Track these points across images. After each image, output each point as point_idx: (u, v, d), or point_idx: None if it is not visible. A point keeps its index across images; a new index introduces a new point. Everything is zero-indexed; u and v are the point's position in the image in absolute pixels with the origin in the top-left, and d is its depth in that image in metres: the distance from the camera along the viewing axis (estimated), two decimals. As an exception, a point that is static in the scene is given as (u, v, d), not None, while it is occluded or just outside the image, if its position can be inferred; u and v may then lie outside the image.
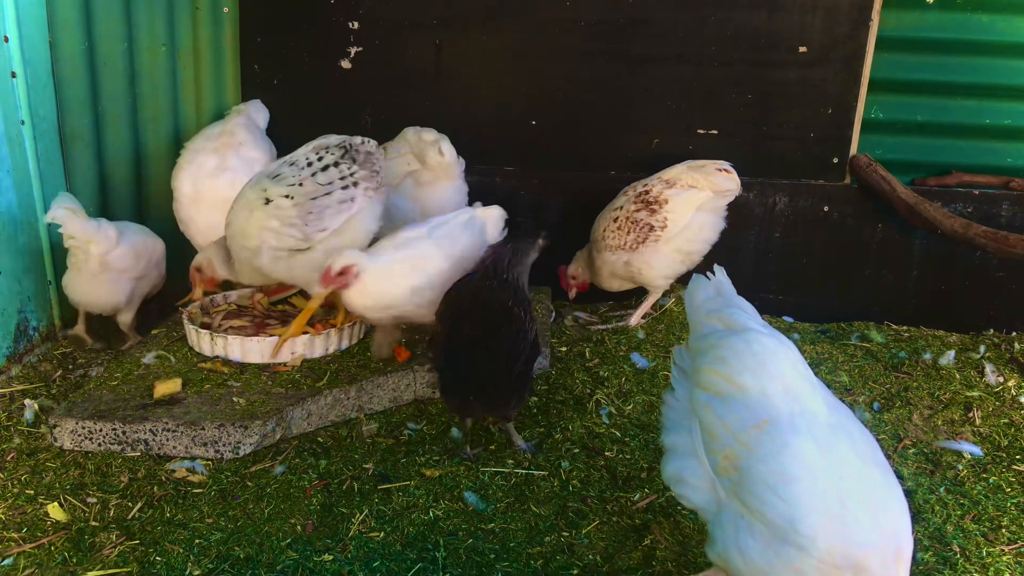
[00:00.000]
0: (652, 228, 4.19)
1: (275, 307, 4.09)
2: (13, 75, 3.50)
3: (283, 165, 3.46)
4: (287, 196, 3.32)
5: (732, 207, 4.43)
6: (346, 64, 4.90)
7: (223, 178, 4.07)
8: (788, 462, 1.96)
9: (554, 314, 4.56)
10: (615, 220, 4.26)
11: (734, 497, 2.05)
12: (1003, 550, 2.74)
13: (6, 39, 3.44)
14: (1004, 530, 2.85)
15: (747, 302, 2.47)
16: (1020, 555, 2.72)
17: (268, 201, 3.36)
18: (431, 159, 4.14)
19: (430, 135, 4.18)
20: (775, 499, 1.93)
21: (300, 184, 3.31)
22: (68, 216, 3.44)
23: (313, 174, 3.32)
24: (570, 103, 4.87)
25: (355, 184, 3.36)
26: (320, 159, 3.37)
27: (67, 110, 3.82)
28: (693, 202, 4.22)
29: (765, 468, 1.98)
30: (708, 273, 2.57)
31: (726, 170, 4.26)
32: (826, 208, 4.80)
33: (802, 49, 4.61)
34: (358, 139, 3.49)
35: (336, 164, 3.34)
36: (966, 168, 4.77)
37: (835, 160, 4.78)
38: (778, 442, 2.00)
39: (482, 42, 4.82)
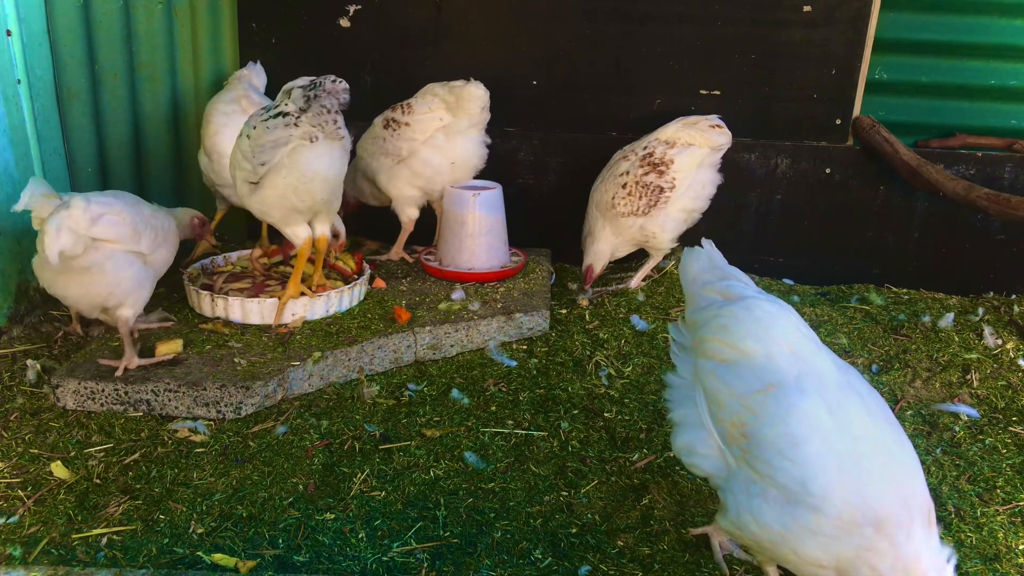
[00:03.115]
0: (662, 190, 4.17)
1: (276, 268, 4.10)
2: (8, 33, 3.46)
3: (261, 108, 3.53)
4: (247, 136, 3.42)
5: (734, 169, 4.41)
6: (345, 23, 4.84)
7: None
8: (796, 424, 1.96)
9: (554, 276, 4.56)
10: (623, 186, 4.22)
11: (744, 464, 2.06)
12: (997, 510, 2.77)
13: (0, -4, 3.40)
14: (999, 490, 2.88)
15: (741, 271, 2.47)
16: (1014, 515, 2.75)
17: (240, 135, 3.50)
18: (470, 102, 4.19)
19: (460, 82, 4.24)
20: (785, 462, 1.94)
21: (254, 127, 3.39)
22: (43, 202, 3.15)
23: (264, 120, 3.36)
24: (571, 62, 4.82)
25: (296, 125, 3.31)
26: (276, 107, 3.38)
27: (63, 69, 3.78)
28: (696, 159, 4.22)
29: (772, 432, 1.98)
30: (698, 246, 2.57)
31: (718, 125, 4.25)
32: (828, 170, 4.77)
33: (806, 9, 4.55)
34: (329, 78, 3.38)
35: (285, 115, 3.32)
36: (970, 130, 4.73)
37: (838, 121, 4.74)
38: (784, 405, 2.00)
39: (483, 0, 4.76)
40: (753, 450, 2.02)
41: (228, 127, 4.13)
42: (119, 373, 3.17)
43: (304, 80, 3.37)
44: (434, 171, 4.32)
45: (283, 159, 3.35)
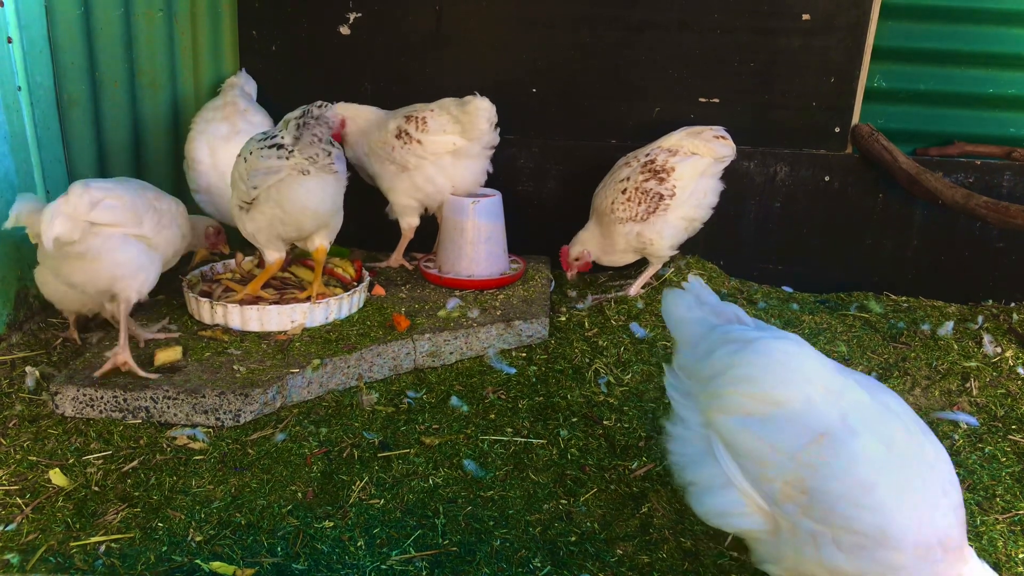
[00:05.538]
0: (662, 197, 4.17)
1: (273, 277, 4.08)
2: (9, 40, 3.47)
3: (261, 132, 3.59)
4: (244, 159, 3.50)
5: (733, 176, 4.41)
6: (345, 30, 4.85)
7: (236, 141, 4.13)
8: (862, 471, 1.91)
9: (553, 283, 4.56)
10: (623, 192, 4.22)
11: (806, 518, 1.96)
12: (997, 519, 2.76)
13: (1, 3, 3.41)
14: (998, 499, 2.88)
15: (735, 306, 2.41)
16: (1014, 524, 2.75)
17: (239, 156, 3.57)
18: (476, 115, 4.17)
19: (468, 97, 4.21)
20: (861, 511, 1.89)
21: (251, 152, 3.47)
22: (34, 217, 3.13)
23: (260, 147, 3.43)
24: (571, 70, 4.83)
25: (288, 158, 3.38)
26: (273, 137, 3.44)
27: (64, 75, 3.79)
28: (698, 168, 4.21)
29: (841, 484, 1.91)
30: (682, 283, 2.51)
31: (722, 136, 4.26)
32: (827, 178, 4.78)
33: (805, 17, 4.57)
34: (315, 104, 3.42)
35: (279, 147, 3.39)
36: (968, 138, 4.74)
37: (837, 129, 4.75)
38: (844, 454, 1.93)
39: (483, 8, 4.77)
40: (819, 504, 1.93)
41: (204, 134, 4.22)
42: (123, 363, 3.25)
43: (298, 111, 3.43)
44: (436, 189, 4.32)
45: (272, 188, 3.44)
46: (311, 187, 3.46)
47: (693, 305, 2.39)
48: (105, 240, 3.10)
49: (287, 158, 3.37)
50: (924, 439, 1.99)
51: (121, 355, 3.22)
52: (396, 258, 4.58)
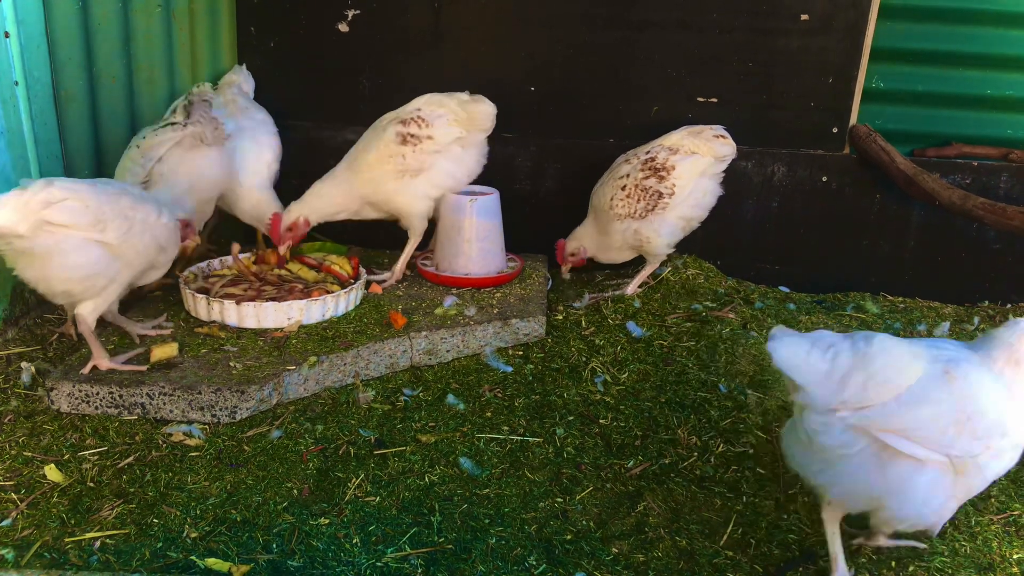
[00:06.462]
0: (661, 195, 4.18)
1: (271, 272, 4.08)
2: (7, 35, 3.46)
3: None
4: (137, 146, 3.79)
5: (731, 176, 4.41)
6: (343, 27, 4.85)
7: (236, 138, 4.26)
8: (983, 379, 2.25)
9: (551, 282, 4.56)
10: (623, 188, 4.23)
11: (975, 441, 2.21)
12: (992, 519, 2.77)
13: (-1, -2, 3.40)
14: (993, 500, 2.88)
15: (820, 333, 2.41)
16: (1008, 524, 2.75)
17: (129, 148, 3.85)
18: (483, 119, 4.20)
19: (465, 95, 4.22)
20: (995, 408, 2.22)
21: (144, 138, 3.80)
22: None
23: (155, 131, 3.80)
24: (569, 69, 4.82)
25: (183, 127, 3.80)
26: (163, 123, 3.85)
27: (61, 71, 3.78)
28: (697, 168, 4.22)
29: (982, 397, 2.22)
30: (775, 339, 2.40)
31: (722, 135, 4.26)
32: (825, 178, 4.78)
33: (804, 17, 4.57)
34: (195, 89, 4.09)
35: (172, 125, 3.81)
36: (966, 139, 4.76)
37: (835, 130, 4.76)
38: (966, 374, 2.23)
39: (481, 6, 4.77)
40: (980, 421, 2.20)
41: None
42: (86, 371, 3.15)
43: (181, 99, 4.03)
44: (456, 182, 4.24)
45: (178, 163, 3.81)
46: (212, 157, 3.91)
47: (807, 345, 2.32)
48: (59, 240, 2.92)
49: (183, 127, 3.79)
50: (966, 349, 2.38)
51: (98, 361, 3.20)
52: (402, 269, 4.34)
